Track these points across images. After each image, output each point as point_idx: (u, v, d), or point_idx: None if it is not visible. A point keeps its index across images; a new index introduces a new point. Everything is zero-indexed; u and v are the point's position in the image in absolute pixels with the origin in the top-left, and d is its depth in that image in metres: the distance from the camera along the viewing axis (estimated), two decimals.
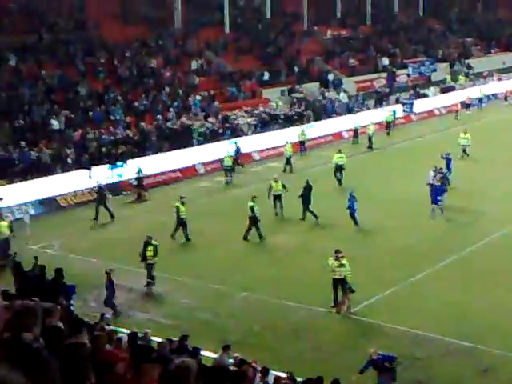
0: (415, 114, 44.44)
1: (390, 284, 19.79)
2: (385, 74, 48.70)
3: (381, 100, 44.86)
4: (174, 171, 31.52)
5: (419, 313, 18.18)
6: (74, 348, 6.98)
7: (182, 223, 23.70)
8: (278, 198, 25.91)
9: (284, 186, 25.87)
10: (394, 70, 49.47)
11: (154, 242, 20.69)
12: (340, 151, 30.38)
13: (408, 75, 49.99)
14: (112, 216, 26.21)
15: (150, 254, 20.45)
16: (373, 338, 17.39)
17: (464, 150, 33.51)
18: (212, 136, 34.96)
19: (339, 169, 29.86)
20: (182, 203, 23.84)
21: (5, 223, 22.76)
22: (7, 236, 22.23)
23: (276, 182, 26.02)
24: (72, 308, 16.29)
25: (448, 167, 28.78)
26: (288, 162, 32.07)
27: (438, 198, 25.42)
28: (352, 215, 24.48)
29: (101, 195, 26.39)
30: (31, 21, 37.25)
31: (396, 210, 26.11)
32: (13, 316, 6.53)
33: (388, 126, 40.52)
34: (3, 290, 15.94)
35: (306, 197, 25.37)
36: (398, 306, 18.63)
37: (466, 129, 34.99)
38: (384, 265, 21.01)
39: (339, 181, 29.62)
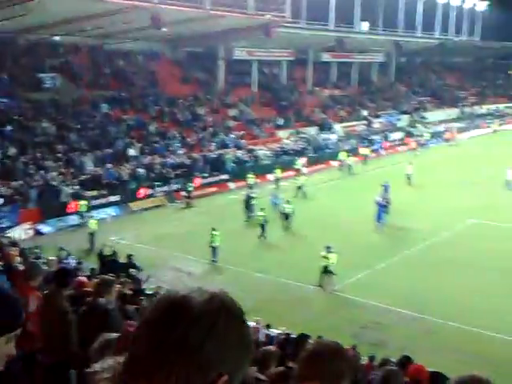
0: (384, 150, 43.98)
1: (362, 269, 19.68)
2: (364, 122, 48.37)
3: (361, 140, 44.54)
4: (212, 186, 31.47)
5: (381, 290, 18.06)
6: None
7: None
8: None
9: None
10: (371, 119, 49.12)
11: (215, 232, 20.68)
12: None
13: (380, 123, 49.70)
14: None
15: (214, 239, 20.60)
16: (348, 308, 17.31)
17: (408, 178, 32.90)
18: (241, 163, 34.89)
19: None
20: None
21: (94, 221, 22.97)
22: (94, 230, 22.44)
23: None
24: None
25: (386, 191, 27.01)
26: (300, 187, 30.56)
27: (382, 216, 24.60)
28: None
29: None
30: (119, 80, 37.58)
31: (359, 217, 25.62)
32: (94, 286, 6.52)
33: (365, 157, 40.23)
34: (91, 268, 16.11)
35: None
36: (367, 286, 18.52)
37: (411, 162, 34.58)
38: (358, 256, 20.84)
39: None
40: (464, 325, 15.57)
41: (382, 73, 58.58)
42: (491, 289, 17.83)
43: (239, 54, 43.96)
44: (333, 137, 43.16)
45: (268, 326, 13.25)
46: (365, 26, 53.54)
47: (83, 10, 28.16)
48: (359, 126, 47.34)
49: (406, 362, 6.72)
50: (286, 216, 24.56)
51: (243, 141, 37.58)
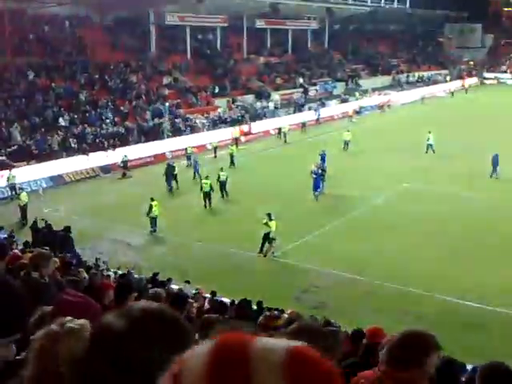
0: (321, 118, 44.52)
1: (301, 236, 19.97)
2: (301, 89, 48.65)
3: (298, 108, 44.84)
4: (149, 157, 30.98)
5: (321, 255, 18.39)
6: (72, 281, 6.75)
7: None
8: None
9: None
10: (307, 86, 49.45)
11: (154, 202, 20.38)
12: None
13: (316, 90, 50.16)
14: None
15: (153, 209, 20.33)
16: (288, 273, 17.55)
17: (346, 144, 33.62)
18: (177, 132, 34.38)
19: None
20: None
21: (24, 193, 22.09)
22: (26, 203, 21.60)
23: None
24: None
25: (323, 161, 27.10)
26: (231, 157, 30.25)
27: (319, 184, 24.65)
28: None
29: None
30: (44, 46, 35.83)
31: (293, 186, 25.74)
32: (30, 259, 6.28)
33: (303, 126, 40.61)
34: (25, 241, 15.59)
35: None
36: (307, 251, 18.81)
37: (349, 129, 35.31)
38: (297, 223, 21.13)
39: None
40: (400, 285, 16.16)
41: (317, 40, 58.94)
42: (424, 251, 18.54)
43: (171, 19, 42.89)
44: (270, 105, 43.16)
45: (213, 294, 13.26)
46: None
47: None
48: (296, 94, 47.55)
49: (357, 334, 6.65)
50: (222, 184, 24.41)
51: (179, 110, 36.96)
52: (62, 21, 38.85)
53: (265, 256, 18.61)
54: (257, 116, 40.72)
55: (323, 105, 47.20)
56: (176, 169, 26.25)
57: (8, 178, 23.78)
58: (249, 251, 18.81)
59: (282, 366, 0.87)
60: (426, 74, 65.09)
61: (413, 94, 56.46)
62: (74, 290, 5.13)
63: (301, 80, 49.94)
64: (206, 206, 23.16)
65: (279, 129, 38.17)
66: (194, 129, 35.54)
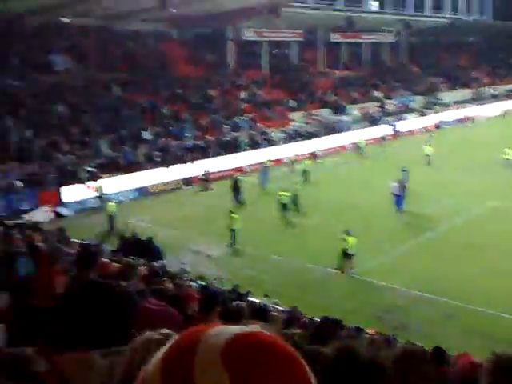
0: (399, 132, 43.74)
1: (381, 253, 19.69)
2: (377, 103, 48.10)
3: (374, 122, 44.33)
4: (228, 170, 31.51)
5: (402, 274, 18.07)
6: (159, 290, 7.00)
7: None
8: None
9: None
10: (384, 100, 48.84)
11: (234, 215, 20.72)
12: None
13: (393, 104, 49.41)
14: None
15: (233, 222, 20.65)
16: (366, 291, 17.33)
17: (428, 159, 32.87)
18: (255, 145, 34.85)
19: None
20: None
21: (112, 204, 23.04)
22: (113, 213, 22.52)
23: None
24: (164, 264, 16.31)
25: (404, 177, 26.43)
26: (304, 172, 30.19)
27: (401, 201, 24.29)
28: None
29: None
30: (128, 62, 37.41)
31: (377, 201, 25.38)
32: (119, 269, 6.59)
33: (381, 140, 40.07)
34: (112, 250, 16.19)
35: None
36: (386, 269, 18.52)
37: (430, 143, 34.55)
38: (377, 239, 20.83)
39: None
40: (484, 308, 15.59)
41: (394, 53, 58.17)
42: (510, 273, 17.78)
43: (248, 34, 43.69)
44: (346, 118, 42.94)
45: (295, 308, 13.25)
46: (374, 4, 53.07)
47: None
48: (372, 108, 47.08)
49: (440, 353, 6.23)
50: (295, 198, 24.44)
51: (256, 123, 37.47)
52: (146, 37, 40.45)
53: (343, 272, 18.48)
54: (333, 130, 40.62)
55: (400, 119, 46.42)
56: (242, 182, 26.56)
57: (97, 188, 24.88)
58: (326, 267, 18.74)
59: (222, 350, 0.81)
60: (508, 87, 62.63)
61: (494, 107, 54.46)
62: (157, 299, 5.33)
63: (377, 93, 49.38)
64: (282, 219, 23.33)
65: (356, 143, 37.89)
66: (270, 142, 35.91)
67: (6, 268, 7.54)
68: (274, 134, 37.15)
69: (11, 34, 32.12)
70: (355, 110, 45.18)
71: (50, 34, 34.47)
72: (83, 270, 5.70)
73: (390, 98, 49.72)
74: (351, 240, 18.38)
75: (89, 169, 26.13)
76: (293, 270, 18.80)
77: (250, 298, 13.60)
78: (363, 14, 50.27)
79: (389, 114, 46.64)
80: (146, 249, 17.88)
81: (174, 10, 32.90)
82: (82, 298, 1.61)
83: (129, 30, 38.87)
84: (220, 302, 7.38)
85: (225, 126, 35.48)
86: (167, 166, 29.09)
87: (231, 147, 33.45)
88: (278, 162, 33.47)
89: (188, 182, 29.27)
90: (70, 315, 1.60)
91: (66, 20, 34.89)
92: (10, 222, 15.27)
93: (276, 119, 39.72)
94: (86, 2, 29.74)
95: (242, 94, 40.72)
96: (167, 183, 28.29)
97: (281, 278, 17.98)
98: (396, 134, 42.96)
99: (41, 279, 7.12)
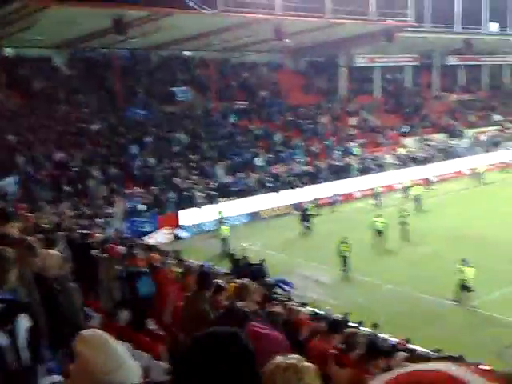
0: None
1: (502, 284, 18.49)
2: (497, 127, 45.57)
3: (494, 147, 41.99)
4: (337, 195, 31.27)
5: None
6: (272, 313, 7.12)
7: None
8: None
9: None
10: (504, 124, 46.16)
11: (347, 241, 20.65)
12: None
13: None
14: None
15: (344, 249, 20.51)
16: (489, 325, 16.32)
17: None
18: (365, 171, 34.41)
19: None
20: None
21: (226, 227, 23.81)
22: (227, 236, 23.24)
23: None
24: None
25: None
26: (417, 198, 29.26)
27: None
28: None
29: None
30: (244, 91, 38.76)
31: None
32: (234, 290, 6.79)
33: (505, 166, 37.86)
34: (225, 272, 16.67)
35: None
36: (507, 302, 17.35)
37: None
38: (498, 270, 19.61)
39: None
40: None
41: None
42: None
43: (360, 61, 43.51)
44: (463, 143, 41.13)
45: (407, 341, 12.80)
46: (494, 27, 50.60)
47: (210, 26, 29.48)
48: (491, 132, 44.66)
49: None
50: (403, 224, 23.74)
51: (367, 149, 37.06)
52: (260, 67, 41.74)
53: (460, 304, 17.57)
54: (448, 155, 39.07)
55: None
56: (310, 210, 26.54)
57: (218, 213, 25.76)
58: (441, 298, 17.92)
59: None
60: None
61: None
62: (270, 323, 5.39)
63: (497, 117, 46.81)
64: (378, 246, 22.82)
65: (473, 168, 36.12)
66: (382, 168, 35.28)
67: (128, 286, 8.09)
68: (386, 159, 36.45)
69: (138, 68, 34.77)
70: (473, 135, 43.16)
71: (173, 67, 36.76)
72: (200, 290, 5.97)
73: (510, 122, 46.89)
74: (469, 271, 17.45)
75: (205, 193, 27.26)
76: (406, 299, 18.18)
77: (362, 328, 13.38)
78: (483, 36, 48.14)
79: (510, 139, 43.97)
80: (257, 272, 18.23)
81: (289, 41, 33.60)
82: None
83: (245, 61, 40.36)
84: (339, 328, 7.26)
85: (335, 152, 35.44)
86: (277, 192, 29.58)
87: (341, 173, 33.29)
88: (389, 187, 32.79)
89: (298, 207, 29.50)
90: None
91: (187, 53, 37.04)
92: (133, 243, 16.29)
93: (388, 144, 39.00)
94: (207, 37, 31.29)
95: (353, 120, 40.50)
96: (278, 208, 28.65)
97: (393, 308, 17.46)
98: None
99: (160, 298, 7.56)
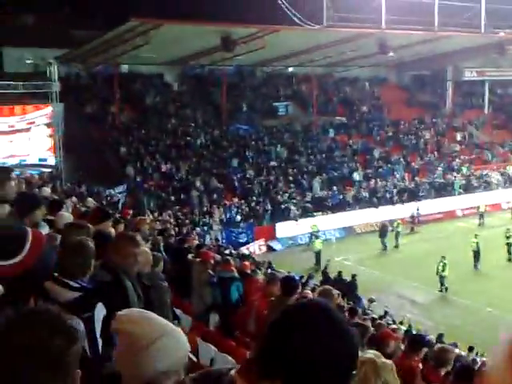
0: None
1: None
2: None
3: None
4: (439, 213, 30.34)
5: None
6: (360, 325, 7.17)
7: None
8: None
9: None
10: None
11: (445, 261, 20.19)
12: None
13: None
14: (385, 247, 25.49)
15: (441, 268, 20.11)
16: None
17: None
18: (470, 189, 33.03)
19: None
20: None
21: (319, 241, 23.94)
22: (319, 250, 23.35)
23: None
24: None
25: None
26: None
27: None
28: None
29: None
30: (345, 106, 38.74)
31: None
32: (318, 294, 6.88)
33: None
34: (314, 284, 16.75)
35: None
36: None
37: None
38: None
39: None
40: None
41: None
42: None
43: (469, 74, 41.85)
44: None
45: None
46: None
47: (315, 41, 29.75)
48: None
49: None
50: (474, 252, 22.55)
51: (472, 166, 35.58)
52: (363, 82, 41.48)
53: None
54: None
55: None
56: (390, 228, 25.74)
57: (312, 226, 25.94)
58: None
59: None
60: None
61: None
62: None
63: None
64: (475, 267, 21.97)
65: None
66: (488, 186, 33.68)
67: (220, 292, 8.57)
68: (493, 177, 34.75)
69: (243, 84, 35.97)
70: None
71: (277, 83, 37.62)
72: (284, 295, 6.19)
73: None
74: None
75: (300, 207, 27.57)
76: (505, 324, 17.27)
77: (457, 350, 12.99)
78: None
79: None
80: (348, 287, 18.22)
81: (394, 55, 33.09)
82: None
83: (348, 76, 40.32)
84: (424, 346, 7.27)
85: (438, 168, 34.38)
86: (377, 207, 29.23)
87: (444, 190, 32.22)
88: (495, 207, 31.25)
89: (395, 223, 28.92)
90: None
91: (290, 69, 37.73)
92: (227, 251, 16.96)
93: (496, 162, 37.15)
94: (311, 52, 31.61)
95: (458, 136, 39.04)
96: (373, 224, 28.37)
97: (490, 333, 16.68)
98: None
99: (245, 305, 7.95)
